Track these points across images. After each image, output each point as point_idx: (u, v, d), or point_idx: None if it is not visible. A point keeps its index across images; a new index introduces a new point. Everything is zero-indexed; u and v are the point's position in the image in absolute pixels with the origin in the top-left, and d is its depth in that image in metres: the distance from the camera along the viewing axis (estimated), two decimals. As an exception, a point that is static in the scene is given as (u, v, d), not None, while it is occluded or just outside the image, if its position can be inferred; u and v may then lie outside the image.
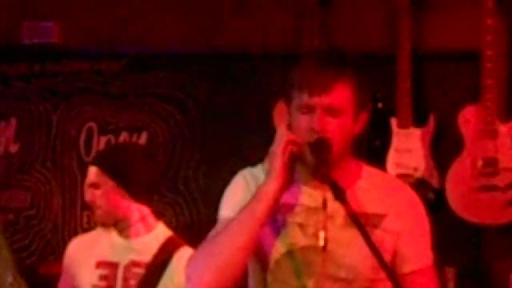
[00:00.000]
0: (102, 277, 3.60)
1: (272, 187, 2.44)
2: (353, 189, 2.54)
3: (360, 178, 2.60)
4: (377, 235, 2.48)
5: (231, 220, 2.50)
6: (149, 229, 3.62)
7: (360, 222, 2.39)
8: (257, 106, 4.71)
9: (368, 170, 2.64)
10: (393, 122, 4.52)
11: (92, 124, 5.01)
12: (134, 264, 3.58)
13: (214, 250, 2.51)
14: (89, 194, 3.60)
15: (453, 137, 4.46)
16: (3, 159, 5.10)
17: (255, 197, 2.48)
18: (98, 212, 3.59)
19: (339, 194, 2.39)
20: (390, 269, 2.40)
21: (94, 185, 3.57)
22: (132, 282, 3.56)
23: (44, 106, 5.06)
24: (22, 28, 5.04)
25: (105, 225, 3.64)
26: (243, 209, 2.49)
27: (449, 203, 4.39)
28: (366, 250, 2.39)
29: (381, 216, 2.55)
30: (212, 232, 2.60)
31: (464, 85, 4.52)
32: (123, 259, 3.59)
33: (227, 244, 2.49)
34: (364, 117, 2.54)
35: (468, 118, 4.42)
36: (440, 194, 4.40)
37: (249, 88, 4.81)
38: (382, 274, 2.47)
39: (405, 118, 4.50)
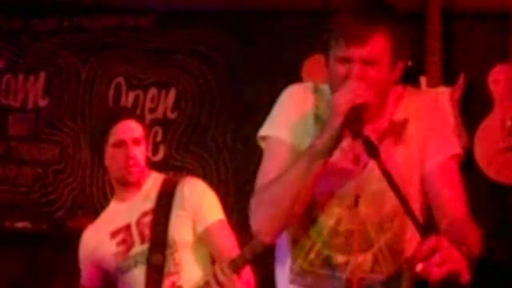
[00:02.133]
0: (120, 243, 3.68)
1: (329, 144, 2.44)
2: (385, 108, 2.59)
3: (393, 98, 2.62)
4: (401, 152, 2.53)
5: (284, 172, 2.51)
6: (145, 180, 3.72)
7: (392, 178, 2.35)
8: (285, 63, 4.68)
9: (399, 90, 2.65)
10: (423, 80, 4.50)
11: (120, 79, 5.01)
12: (143, 214, 3.67)
13: (271, 201, 2.53)
14: (122, 151, 3.65)
15: (482, 96, 4.46)
16: (32, 113, 5.10)
17: (308, 153, 2.47)
18: (131, 174, 3.66)
19: (372, 151, 2.38)
20: (418, 221, 2.33)
21: (136, 141, 3.65)
22: (146, 231, 3.65)
23: (73, 60, 5.06)
24: None
25: (127, 182, 3.69)
26: (298, 162, 2.49)
27: (477, 162, 4.39)
28: (404, 161, 2.50)
29: (404, 122, 2.60)
30: (265, 164, 2.64)
31: (494, 44, 4.50)
32: (132, 217, 3.69)
33: (284, 197, 2.49)
34: (400, 65, 2.55)
35: (497, 78, 4.41)
36: (468, 153, 4.33)
37: (277, 45, 4.78)
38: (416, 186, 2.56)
39: (434, 77, 4.49)
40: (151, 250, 3.63)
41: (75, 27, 5.08)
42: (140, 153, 3.68)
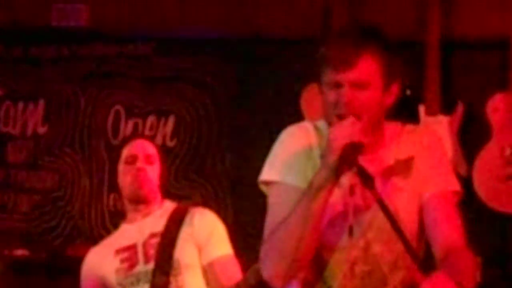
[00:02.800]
0: (123, 260, 3.69)
1: (326, 180, 2.42)
2: (385, 145, 2.57)
3: (393, 135, 2.61)
4: (410, 186, 2.51)
5: (288, 216, 2.48)
6: (159, 205, 3.75)
7: (387, 208, 2.37)
8: (284, 90, 4.71)
9: (398, 127, 2.64)
10: (421, 109, 4.51)
11: (119, 107, 5.02)
12: (152, 236, 3.68)
13: (281, 245, 2.51)
14: (130, 169, 3.71)
15: (481, 125, 4.46)
16: (31, 140, 5.10)
17: (308, 191, 2.46)
18: (138, 185, 3.69)
19: (367, 181, 2.38)
20: (414, 253, 2.38)
21: (148, 158, 3.72)
22: (152, 251, 3.65)
23: (72, 88, 5.06)
24: (52, 11, 5.06)
25: (135, 199, 3.72)
26: (301, 202, 2.47)
27: (476, 191, 4.38)
28: (410, 204, 2.46)
29: (410, 159, 2.57)
30: (271, 209, 2.61)
31: (492, 73, 4.52)
32: (139, 238, 3.71)
33: (293, 239, 2.48)
34: (395, 88, 2.53)
35: (496, 107, 4.42)
36: (467, 182, 4.31)
37: (276, 73, 4.79)
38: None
39: (433, 105, 4.50)
40: (155, 271, 3.63)
41: (74, 55, 5.10)
42: (152, 171, 3.72)
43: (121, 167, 3.76)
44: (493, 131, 4.44)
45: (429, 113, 4.50)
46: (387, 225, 2.49)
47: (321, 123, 2.64)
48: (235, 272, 3.59)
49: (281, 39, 4.81)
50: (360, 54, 2.45)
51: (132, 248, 3.71)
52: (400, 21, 4.62)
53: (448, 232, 2.52)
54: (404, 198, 2.51)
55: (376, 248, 2.57)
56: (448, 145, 4.43)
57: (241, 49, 4.89)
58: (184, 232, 3.70)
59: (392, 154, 2.59)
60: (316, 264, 2.61)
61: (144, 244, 3.70)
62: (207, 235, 3.68)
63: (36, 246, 4.98)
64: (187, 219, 3.72)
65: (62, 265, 4.82)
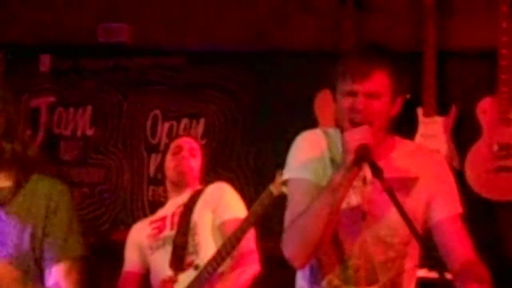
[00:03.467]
0: (154, 228, 3.80)
1: (346, 179, 2.43)
2: (389, 158, 2.56)
3: (395, 149, 2.61)
4: (409, 203, 2.49)
5: (310, 206, 2.48)
6: (192, 187, 3.84)
7: (395, 196, 2.36)
8: (298, 96, 4.67)
9: (401, 141, 2.65)
10: (419, 111, 4.50)
11: (157, 111, 5.00)
12: (178, 207, 3.77)
13: (301, 233, 2.52)
14: (176, 160, 3.82)
15: (471, 124, 4.44)
16: (81, 141, 5.09)
17: (330, 186, 2.47)
18: (184, 174, 3.81)
19: (377, 172, 2.37)
20: (419, 235, 2.38)
21: (192, 151, 3.82)
22: (176, 219, 3.74)
23: (116, 95, 5.05)
24: (98, 29, 5.04)
25: (178, 181, 3.82)
26: (320, 197, 2.48)
27: (468, 182, 4.37)
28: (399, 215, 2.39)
29: (415, 179, 2.57)
30: (291, 203, 2.62)
31: (482, 79, 4.49)
32: (169, 211, 3.82)
33: (312, 228, 2.49)
34: (400, 101, 2.54)
35: (485, 109, 4.41)
36: (459, 174, 4.30)
37: (291, 80, 4.75)
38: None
39: (429, 108, 4.48)
40: (177, 234, 3.70)
41: (118, 67, 5.08)
42: (194, 162, 3.83)
43: (169, 156, 3.85)
44: (483, 130, 4.42)
45: (426, 114, 4.49)
46: (384, 233, 2.55)
47: (331, 130, 2.68)
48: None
49: (295, 52, 4.77)
50: (376, 69, 2.48)
51: (163, 219, 3.82)
52: (401, 34, 4.61)
53: (462, 250, 2.53)
54: (406, 205, 2.45)
55: (371, 248, 2.57)
56: (443, 142, 4.47)
57: (260, 61, 4.86)
58: (201, 200, 3.76)
59: (395, 166, 2.58)
60: (335, 250, 2.61)
61: (172, 215, 3.79)
62: (218, 199, 3.74)
63: (85, 232, 4.96)
64: (205, 190, 3.80)
65: (107, 247, 4.76)
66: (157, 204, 4.70)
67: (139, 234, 3.88)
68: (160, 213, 3.91)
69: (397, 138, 2.65)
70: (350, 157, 2.41)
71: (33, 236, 2.38)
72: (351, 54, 2.64)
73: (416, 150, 2.72)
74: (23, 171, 2.42)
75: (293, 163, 2.65)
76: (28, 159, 2.43)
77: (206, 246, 3.69)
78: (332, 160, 2.60)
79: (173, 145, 3.88)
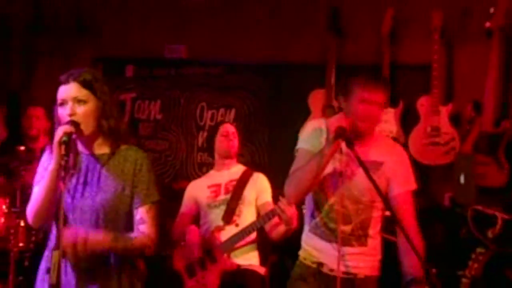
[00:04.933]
0: (212, 192, 3.80)
1: (329, 150, 2.43)
2: (368, 146, 2.55)
3: (372, 139, 2.61)
4: (376, 180, 2.43)
5: (306, 164, 2.48)
6: (235, 165, 3.88)
7: (363, 163, 2.35)
8: (300, 96, 4.65)
9: (379, 135, 2.67)
10: None
11: (203, 103, 4.99)
12: (231, 181, 3.80)
13: (297, 179, 2.53)
14: (224, 140, 3.82)
15: (413, 114, 4.46)
16: (153, 122, 5.06)
17: (319, 153, 2.45)
18: (228, 150, 3.81)
19: (350, 145, 2.39)
20: (382, 194, 2.40)
21: (233, 134, 3.84)
22: (230, 188, 3.73)
23: (176, 93, 5.04)
24: (165, 48, 5.03)
25: (226, 156, 3.82)
26: (312, 159, 2.46)
27: (410, 152, 4.36)
28: (366, 181, 2.40)
29: (380, 163, 2.57)
30: (296, 161, 2.61)
31: (421, 83, 4.48)
32: (223, 180, 3.82)
33: (304, 178, 2.50)
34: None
35: (422, 103, 4.44)
36: (405, 146, 4.27)
37: (294, 84, 4.75)
38: (379, 198, 2.50)
39: (386, 102, 4.45)
40: (231, 199, 3.71)
41: (178, 74, 5.05)
42: (235, 142, 3.84)
43: (219, 137, 3.83)
44: (420, 117, 4.43)
45: (384, 107, 4.44)
46: (357, 193, 2.54)
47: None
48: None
49: (297, 65, 4.74)
50: (384, 87, 2.53)
51: (218, 185, 3.79)
52: (366, 52, 4.57)
53: (408, 220, 2.52)
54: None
55: (347, 201, 2.57)
56: (394, 125, 4.46)
57: (273, 70, 4.83)
58: (251, 181, 3.76)
59: (371, 153, 2.55)
60: (317, 201, 2.64)
61: (225, 184, 3.78)
62: (262, 186, 3.75)
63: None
64: (253, 177, 3.78)
65: (170, 194, 4.60)
66: (203, 164, 4.90)
67: (198, 191, 3.83)
68: (214, 179, 3.83)
69: (376, 132, 2.62)
70: (331, 135, 2.43)
71: (123, 188, 2.32)
72: (366, 75, 2.53)
73: (385, 141, 2.68)
74: (116, 141, 2.34)
75: (301, 137, 2.67)
76: (119, 133, 2.34)
77: (246, 213, 3.68)
78: (321, 142, 2.58)
79: (221, 129, 3.84)
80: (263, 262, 3.74)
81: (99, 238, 2.23)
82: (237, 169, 3.82)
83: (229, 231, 3.62)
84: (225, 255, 3.58)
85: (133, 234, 2.32)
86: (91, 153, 2.34)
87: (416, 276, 2.48)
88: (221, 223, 3.66)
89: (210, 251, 3.62)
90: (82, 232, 2.19)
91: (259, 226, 3.52)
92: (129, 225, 2.35)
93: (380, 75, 2.67)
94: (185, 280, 3.68)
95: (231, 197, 3.69)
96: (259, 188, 3.74)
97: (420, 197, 4.33)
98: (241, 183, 3.74)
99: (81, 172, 2.30)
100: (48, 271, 2.05)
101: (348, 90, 2.52)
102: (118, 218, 2.32)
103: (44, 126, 4.46)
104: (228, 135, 3.83)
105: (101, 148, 2.34)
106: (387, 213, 2.65)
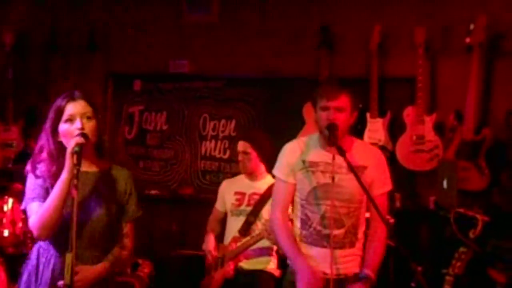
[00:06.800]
0: (237, 199, 3.70)
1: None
2: (350, 152, 2.56)
3: (353, 146, 2.60)
4: (362, 178, 2.48)
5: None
6: (263, 177, 3.69)
7: (354, 169, 2.43)
8: (293, 106, 4.63)
9: (357, 141, 2.64)
10: (368, 115, 4.50)
11: (206, 114, 4.97)
12: (254, 194, 3.66)
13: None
14: (241, 157, 3.65)
15: (400, 123, 4.46)
16: (159, 133, 5.04)
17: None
18: (244, 169, 3.66)
19: (342, 153, 2.42)
20: (369, 194, 2.43)
21: (245, 153, 3.63)
22: (252, 202, 3.64)
23: (181, 105, 5.02)
24: (170, 64, 5.02)
25: (245, 173, 3.69)
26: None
27: (397, 159, 4.41)
28: (357, 184, 2.41)
29: (364, 167, 2.57)
30: (274, 189, 2.66)
31: (406, 95, 4.48)
32: (248, 191, 3.69)
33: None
34: (355, 114, 2.57)
35: (408, 113, 4.43)
36: (392, 154, 4.41)
37: (289, 96, 4.73)
38: (365, 197, 2.53)
39: (374, 112, 4.49)
40: (251, 213, 3.61)
41: (182, 88, 5.01)
42: (251, 157, 3.63)
43: (240, 156, 3.66)
44: (407, 126, 4.43)
45: (372, 117, 4.49)
46: (347, 197, 2.51)
47: (308, 137, 2.62)
48: None
49: (291, 78, 4.72)
50: (341, 92, 2.49)
51: (243, 194, 3.68)
52: (357, 67, 4.57)
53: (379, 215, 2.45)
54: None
55: (338, 205, 2.54)
56: (382, 134, 4.45)
57: (270, 84, 4.81)
58: (270, 201, 3.47)
59: (354, 158, 2.52)
60: (310, 209, 2.59)
61: (249, 196, 3.66)
62: None
63: (162, 189, 4.96)
64: None
65: (176, 199, 4.83)
66: (206, 172, 4.90)
67: (226, 194, 3.74)
68: (241, 186, 3.71)
69: (354, 138, 2.62)
70: (325, 132, 2.45)
71: (115, 204, 2.33)
72: (325, 83, 2.65)
73: (365, 146, 2.66)
74: (108, 159, 2.34)
75: (277, 163, 2.64)
76: (111, 150, 2.35)
77: (262, 230, 3.51)
78: (303, 161, 2.56)
79: (240, 148, 3.67)
80: (280, 266, 3.66)
81: (100, 271, 2.27)
82: (264, 182, 3.66)
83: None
84: (230, 262, 3.58)
85: (118, 248, 2.35)
86: (88, 170, 2.32)
87: (367, 274, 2.49)
88: (237, 234, 3.64)
89: (223, 257, 3.64)
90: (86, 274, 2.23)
91: (251, 244, 3.51)
92: (115, 236, 2.36)
93: (339, 82, 2.56)
94: (205, 275, 3.74)
95: (251, 211, 3.61)
96: None
97: (407, 201, 4.43)
98: (263, 199, 3.60)
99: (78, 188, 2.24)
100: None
101: (315, 102, 2.53)
102: (111, 232, 2.32)
103: None
104: (241, 154, 3.69)
105: (95, 166, 2.34)
106: (367, 214, 2.65)
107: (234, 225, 3.66)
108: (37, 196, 2.23)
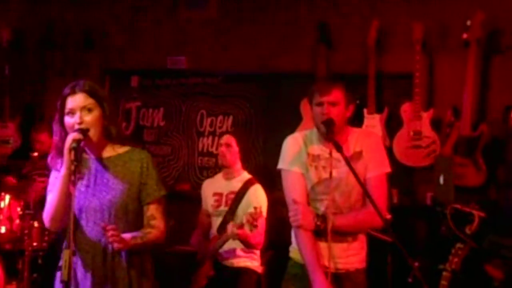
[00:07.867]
0: (215, 200, 3.75)
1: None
2: (346, 143, 2.56)
3: (349, 135, 2.59)
4: (358, 168, 2.49)
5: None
6: (239, 173, 3.74)
7: (350, 163, 2.40)
8: (290, 102, 4.63)
9: (353, 129, 2.63)
10: (365, 111, 4.51)
11: (203, 111, 4.97)
12: (231, 193, 3.71)
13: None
14: (223, 148, 3.70)
15: (397, 119, 4.47)
16: (156, 129, 5.04)
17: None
18: (223, 160, 3.71)
19: (339, 149, 2.43)
20: (364, 188, 2.42)
21: (227, 145, 3.70)
22: (229, 201, 3.66)
23: (178, 101, 5.02)
24: (168, 60, 5.02)
25: (222, 165, 3.72)
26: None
27: (394, 155, 4.41)
28: (354, 177, 2.43)
29: (360, 152, 2.56)
30: (284, 186, 2.60)
31: (403, 91, 4.48)
32: (225, 191, 3.74)
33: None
34: (351, 108, 2.57)
35: (405, 109, 4.44)
36: (389, 149, 4.38)
37: (286, 92, 4.73)
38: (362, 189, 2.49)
39: (371, 108, 4.51)
40: (227, 213, 3.67)
41: (179, 83, 5.02)
42: (234, 151, 3.71)
43: (223, 148, 3.72)
44: (404, 122, 4.44)
45: (369, 113, 4.50)
46: (345, 189, 2.52)
47: (309, 131, 2.62)
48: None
49: (289, 75, 4.72)
50: (334, 87, 2.51)
51: (220, 195, 3.73)
52: (354, 62, 4.57)
53: (378, 200, 2.42)
54: (357, 170, 2.45)
55: (339, 199, 2.55)
56: (379, 130, 4.45)
57: (267, 80, 4.81)
58: (246, 197, 3.65)
59: (351, 146, 2.55)
60: (317, 205, 2.59)
61: (226, 195, 3.70)
62: (256, 203, 3.53)
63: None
64: (250, 190, 3.67)
65: (172, 196, 4.69)
66: (204, 168, 4.91)
67: (206, 195, 3.79)
68: (219, 187, 3.75)
69: (350, 128, 2.62)
70: (322, 128, 2.46)
71: (131, 186, 2.30)
72: (319, 80, 2.67)
73: (360, 133, 2.65)
74: (121, 144, 2.34)
75: (283, 157, 2.61)
76: (123, 136, 2.37)
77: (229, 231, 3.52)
78: (307, 153, 2.57)
79: (224, 140, 3.74)
80: (264, 263, 3.73)
81: (133, 236, 2.26)
82: (239, 180, 3.73)
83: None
84: (208, 261, 3.63)
85: (145, 230, 2.32)
86: (99, 156, 2.34)
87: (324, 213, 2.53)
88: (215, 233, 3.70)
89: (204, 256, 3.69)
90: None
91: (221, 245, 3.55)
92: (138, 221, 2.34)
93: (332, 78, 2.65)
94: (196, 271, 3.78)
95: (227, 211, 3.66)
96: (253, 203, 3.59)
97: (404, 197, 4.43)
98: (238, 197, 3.65)
99: (91, 175, 2.30)
100: (59, 268, 2.07)
101: (310, 99, 2.56)
102: (127, 215, 2.30)
103: (49, 146, 4.50)
104: (229, 146, 3.74)
105: (108, 151, 2.35)
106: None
107: (214, 225, 3.71)
108: (53, 188, 2.27)
